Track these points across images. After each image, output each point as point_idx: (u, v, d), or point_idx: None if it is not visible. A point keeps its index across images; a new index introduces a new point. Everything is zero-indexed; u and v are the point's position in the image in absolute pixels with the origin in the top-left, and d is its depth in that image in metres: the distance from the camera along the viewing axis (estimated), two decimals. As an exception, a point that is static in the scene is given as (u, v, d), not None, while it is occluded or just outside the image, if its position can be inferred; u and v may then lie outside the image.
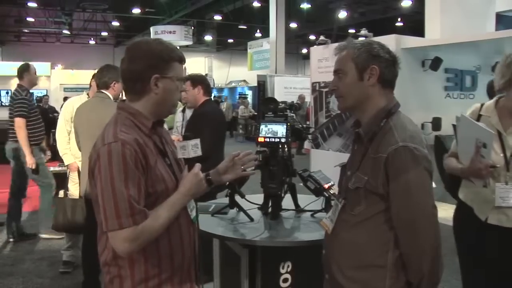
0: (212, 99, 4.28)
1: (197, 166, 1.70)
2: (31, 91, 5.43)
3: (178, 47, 1.81)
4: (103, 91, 3.67)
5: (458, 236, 2.73)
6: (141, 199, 1.56)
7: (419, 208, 1.56)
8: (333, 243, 1.76)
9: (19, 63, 5.69)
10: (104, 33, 26.28)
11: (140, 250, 1.60)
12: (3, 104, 14.99)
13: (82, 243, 3.98)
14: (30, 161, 5.03)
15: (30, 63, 5.58)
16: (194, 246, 1.79)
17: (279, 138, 2.50)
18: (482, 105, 2.59)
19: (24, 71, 5.31)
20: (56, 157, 8.69)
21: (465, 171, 2.41)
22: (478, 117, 2.54)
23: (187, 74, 3.93)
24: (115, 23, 24.16)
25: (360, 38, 7.75)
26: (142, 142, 1.60)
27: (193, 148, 1.72)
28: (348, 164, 1.81)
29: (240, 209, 2.61)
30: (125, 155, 1.54)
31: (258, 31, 22.92)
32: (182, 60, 1.73)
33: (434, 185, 4.99)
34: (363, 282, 1.65)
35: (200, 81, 4.01)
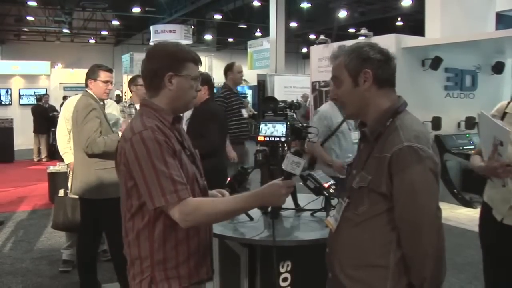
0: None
1: (290, 182, 1.76)
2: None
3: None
4: (86, 89, 3.77)
5: (481, 235, 2.73)
6: (182, 176, 1.70)
7: (423, 210, 1.53)
8: (336, 241, 1.75)
9: (18, 62, 5.69)
10: (104, 32, 26.26)
11: (160, 233, 1.74)
12: (2, 103, 14.94)
13: (77, 243, 3.96)
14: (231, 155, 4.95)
15: (235, 62, 5.51)
16: (209, 232, 1.93)
17: (279, 137, 2.49)
18: (509, 102, 2.57)
19: (228, 70, 5.30)
20: (56, 156, 8.74)
21: (484, 169, 2.39)
22: (504, 115, 2.51)
23: None
24: (115, 22, 24.12)
25: (360, 38, 7.76)
26: (167, 132, 1.76)
27: (293, 164, 1.75)
28: (354, 163, 1.81)
29: (240, 208, 2.60)
30: (158, 139, 1.68)
31: (258, 30, 22.91)
32: (196, 61, 1.85)
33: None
34: (364, 282, 1.64)
35: (206, 81, 4.02)
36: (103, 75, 3.73)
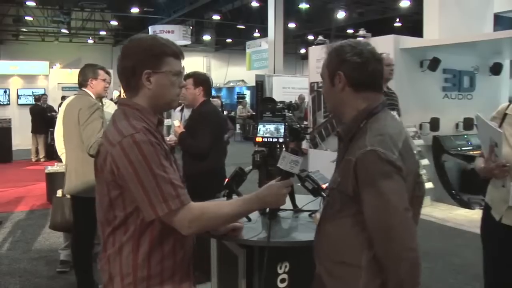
0: (211, 99, 4.24)
1: (288, 182, 1.77)
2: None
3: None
4: (83, 89, 3.78)
5: (482, 235, 2.76)
6: (179, 179, 1.61)
7: (390, 215, 1.50)
8: (318, 236, 1.80)
9: (17, 62, 5.67)
10: (103, 32, 26.21)
11: (146, 247, 1.60)
12: (1, 103, 14.93)
13: (72, 244, 3.95)
14: None
15: (383, 53, 5.05)
16: (192, 244, 1.81)
17: (277, 137, 2.49)
18: (509, 104, 2.59)
19: None
20: (54, 156, 8.72)
21: (483, 170, 2.43)
22: (504, 116, 2.55)
23: (186, 72, 3.88)
24: (114, 22, 24.10)
25: (358, 39, 7.77)
26: (155, 134, 1.63)
27: (292, 163, 1.77)
28: (336, 162, 1.83)
29: (238, 209, 2.59)
30: (152, 142, 1.56)
31: (256, 31, 22.91)
32: (177, 55, 1.71)
33: (431, 185, 4.94)
34: (339, 278, 1.67)
35: (203, 82, 3.92)
36: (102, 74, 3.82)
